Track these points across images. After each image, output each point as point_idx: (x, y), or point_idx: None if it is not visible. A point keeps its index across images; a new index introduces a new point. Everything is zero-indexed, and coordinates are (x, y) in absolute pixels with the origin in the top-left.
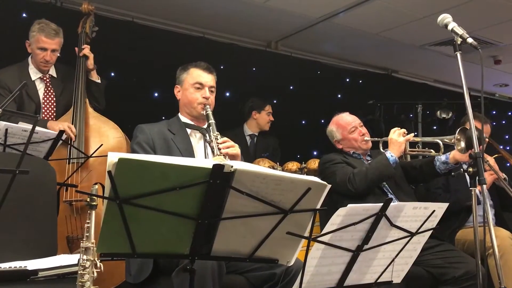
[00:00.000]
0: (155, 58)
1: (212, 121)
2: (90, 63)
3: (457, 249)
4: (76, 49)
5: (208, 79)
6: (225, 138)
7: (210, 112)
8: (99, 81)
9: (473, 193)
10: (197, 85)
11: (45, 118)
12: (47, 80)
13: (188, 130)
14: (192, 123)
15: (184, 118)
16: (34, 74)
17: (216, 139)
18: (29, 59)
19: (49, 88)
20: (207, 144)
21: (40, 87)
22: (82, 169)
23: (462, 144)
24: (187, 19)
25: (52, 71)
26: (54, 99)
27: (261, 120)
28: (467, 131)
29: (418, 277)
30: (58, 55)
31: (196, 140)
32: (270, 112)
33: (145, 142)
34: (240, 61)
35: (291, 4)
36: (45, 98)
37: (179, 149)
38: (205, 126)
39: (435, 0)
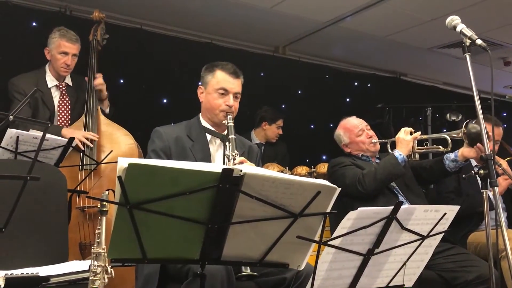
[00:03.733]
0: (164, 65)
1: (232, 136)
2: (104, 94)
3: (469, 252)
4: (86, 78)
5: (234, 85)
6: (242, 158)
7: (232, 125)
8: (107, 111)
9: (484, 195)
10: (221, 90)
11: (60, 125)
12: (63, 88)
13: (208, 136)
14: (212, 128)
15: (204, 122)
16: (50, 81)
17: (234, 159)
18: (47, 66)
19: (64, 96)
20: (226, 158)
21: (56, 95)
22: (94, 175)
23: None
24: (195, 25)
25: (68, 80)
26: (70, 107)
27: (270, 132)
28: (473, 123)
29: (430, 281)
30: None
31: (215, 147)
32: (280, 126)
33: (161, 150)
34: (248, 66)
35: (298, 9)
36: (60, 106)
37: (196, 158)
38: (225, 133)
39: (443, 3)
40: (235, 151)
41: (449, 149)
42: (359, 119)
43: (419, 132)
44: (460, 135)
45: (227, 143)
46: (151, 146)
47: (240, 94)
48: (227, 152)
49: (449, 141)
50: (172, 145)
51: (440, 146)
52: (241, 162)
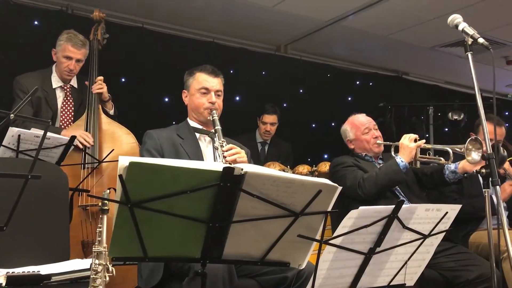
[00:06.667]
0: (165, 64)
1: (218, 127)
2: (104, 96)
3: (470, 251)
4: (87, 83)
5: (214, 83)
6: (230, 145)
7: (216, 118)
8: (112, 112)
9: (486, 194)
10: (202, 90)
11: (62, 126)
12: (68, 89)
13: (197, 135)
14: (200, 127)
15: (192, 123)
16: (55, 82)
17: (222, 146)
18: (53, 67)
19: (68, 98)
20: (215, 150)
21: (60, 96)
22: (95, 174)
23: (473, 154)
24: (197, 24)
25: (74, 82)
26: (73, 108)
27: (259, 129)
28: (478, 140)
29: (432, 280)
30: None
31: (205, 144)
32: (265, 122)
33: (153, 148)
34: (250, 65)
35: (300, 8)
36: (63, 107)
37: (188, 153)
38: (213, 130)
39: (445, 1)
40: (222, 139)
41: (450, 163)
42: (368, 118)
43: (423, 141)
44: (462, 150)
45: (216, 134)
46: (143, 147)
47: (221, 92)
48: (215, 144)
49: (451, 154)
50: (164, 143)
51: (442, 158)
52: (230, 149)
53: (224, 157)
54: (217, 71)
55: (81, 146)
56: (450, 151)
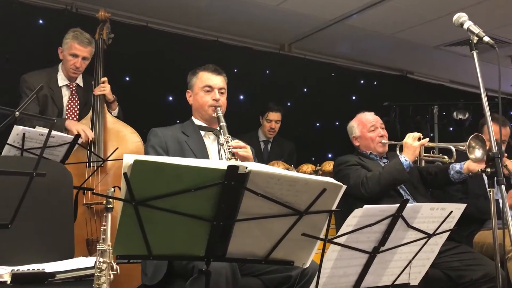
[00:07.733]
0: (169, 62)
1: (223, 123)
2: (108, 98)
3: (475, 251)
4: (93, 86)
5: (217, 81)
6: (236, 140)
7: (221, 115)
8: (115, 113)
9: (491, 193)
10: (206, 88)
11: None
12: (73, 88)
13: (202, 132)
14: (205, 125)
15: (197, 121)
16: (61, 80)
17: (227, 141)
18: (59, 66)
19: (74, 96)
20: (221, 146)
21: (66, 94)
22: (100, 172)
23: (477, 152)
24: (201, 23)
25: (79, 81)
26: (78, 107)
27: (263, 127)
28: (480, 137)
29: (436, 279)
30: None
31: (210, 141)
32: (270, 120)
33: (158, 145)
34: (254, 64)
35: (304, 7)
36: (69, 106)
37: (193, 150)
38: (218, 127)
39: (450, 0)
40: (227, 135)
41: (453, 161)
42: (376, 116)
43: (427, 139)
44: (465, 148)
45: (221, 130)
46: (148, 144)
47: (225, 89)
48: (220, 140)
49: (454, 152)
50: (168, 140)
51: (446, 157)
52: (236, 143)
53: (230, 151)
54: (219, 69)
55: (85, 139)
56: (453, 149)
